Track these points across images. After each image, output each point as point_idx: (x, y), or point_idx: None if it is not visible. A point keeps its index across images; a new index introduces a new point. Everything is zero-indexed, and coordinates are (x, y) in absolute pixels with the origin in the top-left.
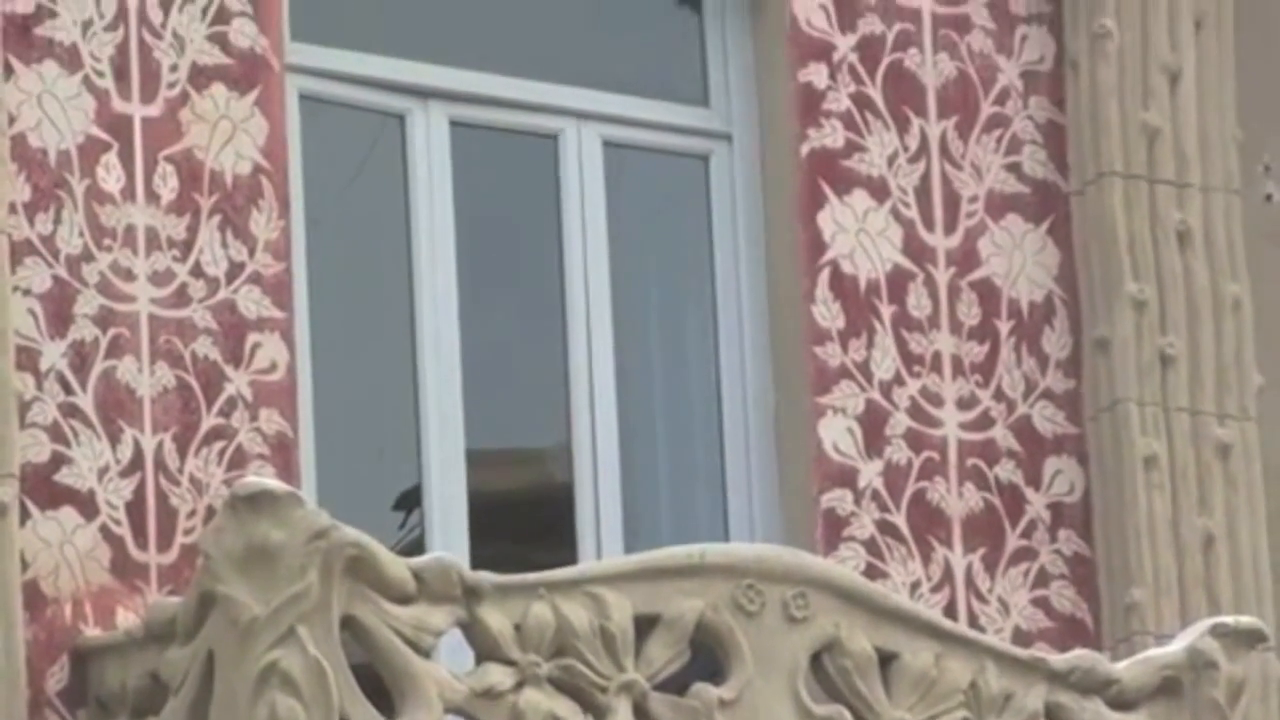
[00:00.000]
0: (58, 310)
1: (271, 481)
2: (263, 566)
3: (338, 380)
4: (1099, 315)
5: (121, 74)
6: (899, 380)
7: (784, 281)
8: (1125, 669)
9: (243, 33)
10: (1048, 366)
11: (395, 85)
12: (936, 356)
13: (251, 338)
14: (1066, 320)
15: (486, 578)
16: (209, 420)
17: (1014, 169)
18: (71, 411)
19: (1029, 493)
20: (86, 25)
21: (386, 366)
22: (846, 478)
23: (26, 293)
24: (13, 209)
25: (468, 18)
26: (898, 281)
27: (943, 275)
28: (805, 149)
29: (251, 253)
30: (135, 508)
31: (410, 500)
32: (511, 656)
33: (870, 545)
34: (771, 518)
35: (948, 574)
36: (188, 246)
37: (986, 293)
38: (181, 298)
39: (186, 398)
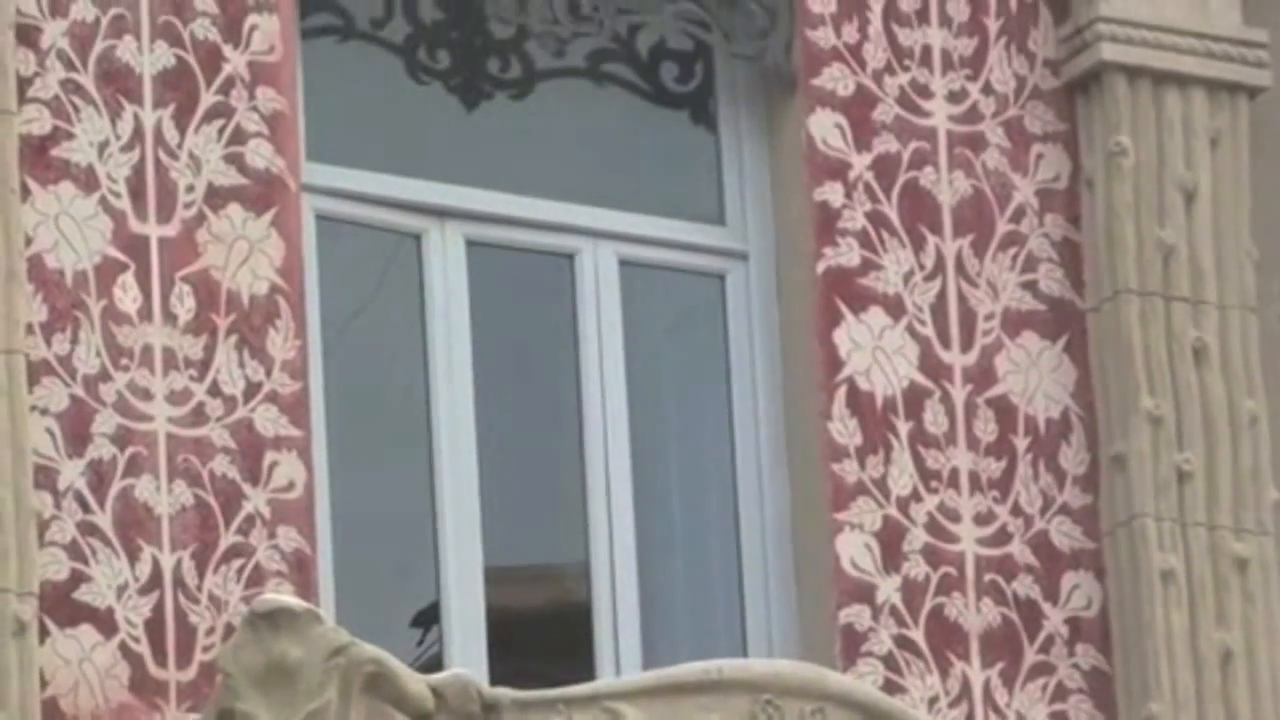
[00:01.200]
0: (75, 429)
1: (290, 598)
2: (282, 683)
3: (355, 498)
4: (1115, 431)
5: (138, 194)
6: (916, 496)
7: (801, 398)
8: None
9: (259, 153)
10: (1065, 482)
11: (411, 205)
12: (954, 473)
13: (269, 456)
14: (1083, 436)
15: (505, 694)
16: (227, 538)
17: (1030, 286)
18: (90, 530)
19: (1047, 608)
20: (103, 146)
21: (404, 484)
22: (864, 593)
23: (44, 412)
24: (30, 329)
25: (483, 138)
26: (914, 398)
27: (959, 392)
28: (821, 267)
29: (268, 372)
30: (154, 625)
31: (428, 617)
32: None
33: (888, 660)
34: (789, 633)
35: (966, 689)
36: (205, 366)
37: (1003, 409)
38: (199, 417)
39: (205, 516)
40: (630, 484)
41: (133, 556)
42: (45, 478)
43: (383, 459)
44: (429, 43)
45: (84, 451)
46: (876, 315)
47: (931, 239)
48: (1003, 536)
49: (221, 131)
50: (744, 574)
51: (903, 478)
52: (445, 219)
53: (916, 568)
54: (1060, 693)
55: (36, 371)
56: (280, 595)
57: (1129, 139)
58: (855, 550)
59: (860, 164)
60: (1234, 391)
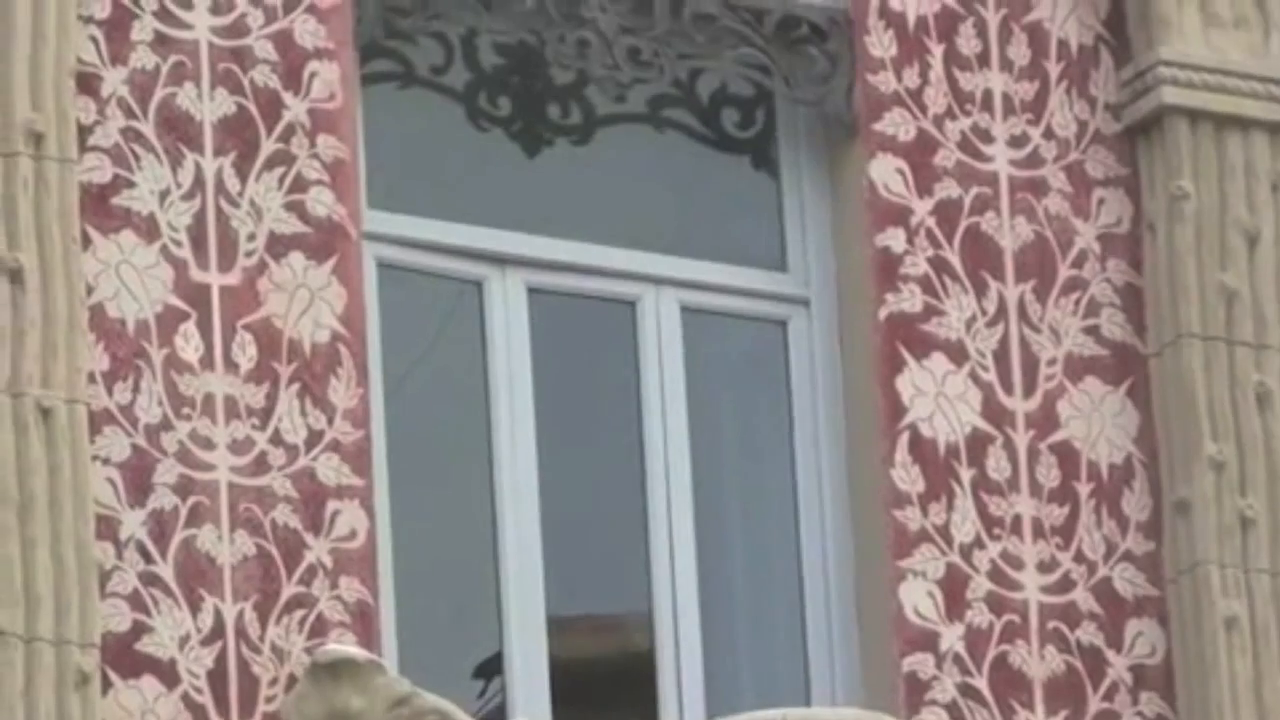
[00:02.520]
0: (137, 479)
1: (353, 649)
2: None
3: (418, 547)
4: (1178, 477)
5: (199, 243)
6: (979, 543)
7: (863, 445)
8: None
9: (320, 201)
10: (1128, 529)
11: (472, 252)
12: (1017, 520)
13: (331, 505)
14: (1146, 482)
15: None
16: (289, 588)
17: (1092, 331)
18: (152, 580)
19: (1110, 655)
20: (164, 195)
21: (466, 533)
22: (928, 641)
23: (106, 462)
24: (91, 378)
25: (544, 184)
26: (977, 444)
27: (1022, 438)
28: (883, 313)
29: (330, 420)
30: (217, 676)
31: (491, 668)
32: None
33: (952, 709)
34: (853, 681)
35: None
36: (267, 414)
37: (1066, 455)
38: (261, 466)
39: (267, 565)
40: (693, 532)
41: (195, 607)
42: (107, 528)
43: (445, 508)
44: (490, 89)
45: (145, 501)
46: (939, 361)
47: (994, 284)
48: (1066, 584)
49: (282, 179)
50: (807, 622)
51: (965, 524)
52: (506, 266)
53: (980, 615)
54: None
55: (98, 421)
56: (342, 646)
57: (1191, 183)
58: (918, 598)
59: (922, 209)
60: None
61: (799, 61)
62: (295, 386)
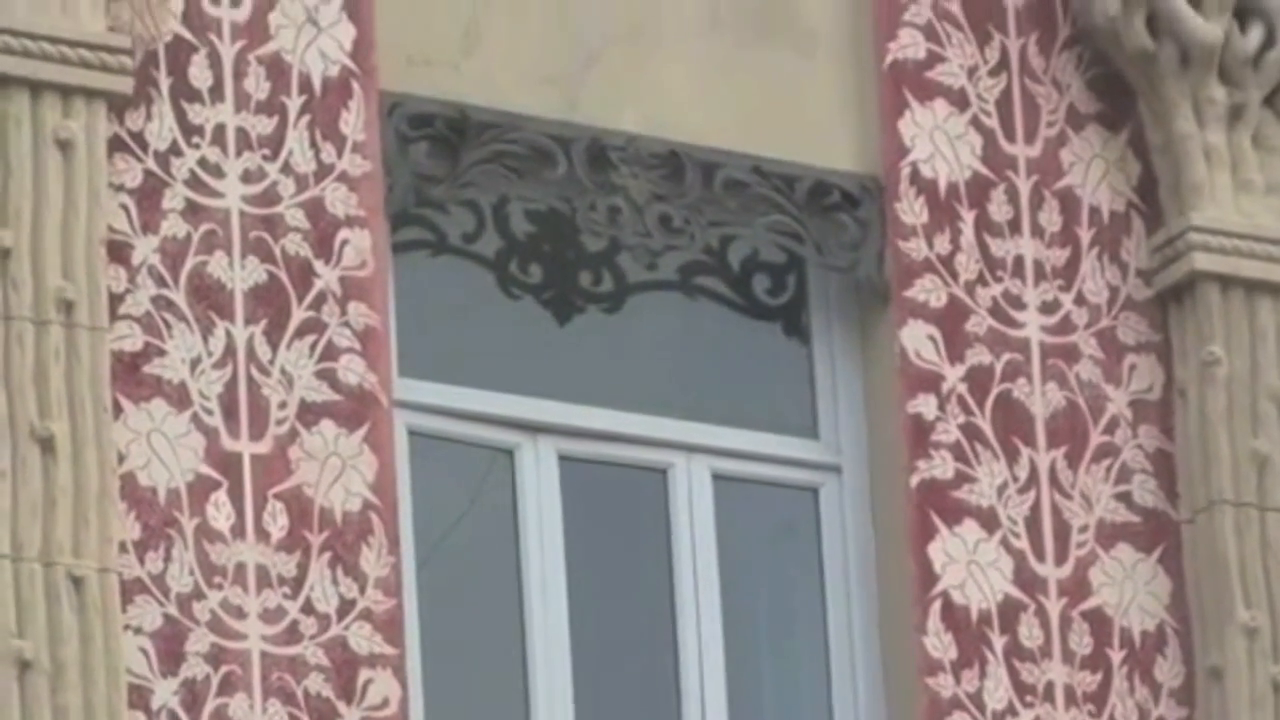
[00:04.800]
0: (169, 648)
1: None
2: None
3: (450, 715)
4: (1211, 644)
5: (230, 411)
6: (1012, 710)
7: (895, 612)
8: None
9: (351, 369)
10: (1160, 696)
11: (504, 420)
12: (1049, 686)
13: (363, 674)
14: (1179, 649)
15: None
16: None
17: (1124, 498)
18: None
19: None
20: (195, 363)
21: (499, 702)
22: None
23: (138, 631)
24: (123, 548)
25: (575, 351)
26: (1009, 612)
27: (1054, 605)
28: (915, 480)
29: (362, 589)
30: None
31: None
32: None
33: None
34: None
35: None
36: (298, 584)
37: (1098, 623)
38: (293, 635)
39: None
40: (725, 699)
41: None
42: (139, 697)
43: (477, 676)
44: (521, 256)
45: (178, 670)
46: (970, 528)
47: (1025, 451)
48: None
49: (313, 347)
50: None
51: (998, 692)
52: (538, 434)
53: None
54: None
55: (130, 590)
56: None
57: (1222, 349)
58: None
59: (953, 376)
60: None
61: (830, 228)
62: (327, 555)
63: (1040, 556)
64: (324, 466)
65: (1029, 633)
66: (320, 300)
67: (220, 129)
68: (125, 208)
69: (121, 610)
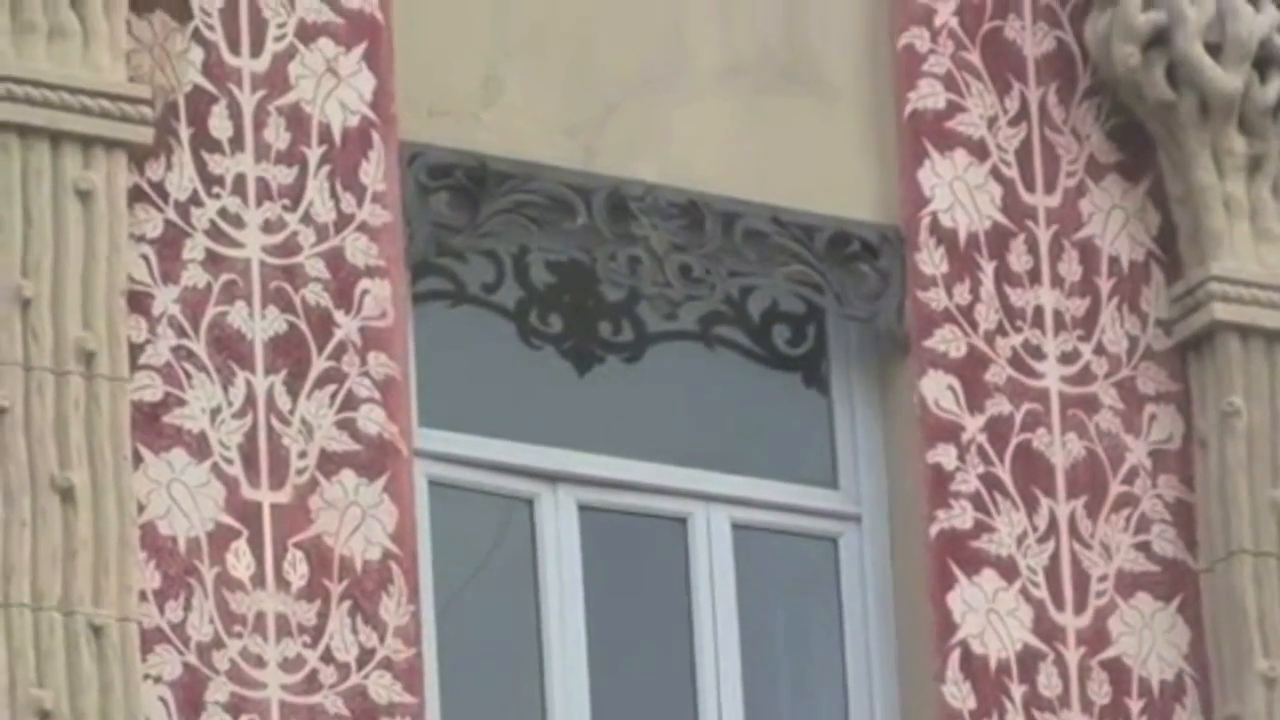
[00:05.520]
0: (189, 697)
1: None
2: None
3: None
4: (1230, 693)
5: (250, 461)
6: None
7: (915, 662)
8: None
9: (371, 419)
10: None
11: (523, 469)
12: None
13: None
14: (1198, 699)
15: None
16: None
17: (1143, 548)
18: None
19: None
20: (215, 413)
21: None
22: None
23: (158, 680)
24: (143, 596)
25: (595, 401)
26: (1028, 661)
27: (1073, 654)
28: (934, 530)
29: (382, 638)
30: None
31: None
32: None
33: None
34: None
35: None
36: (318, 633)
37: (1117, 672)
38: (312, 683)
39: None
40: None
41: None
42: None
43: None
44: (541, 306)
45: (198, 719)
46: (990, 577)
47: (1045, 501)
48: None
49: (334, 397)
50: None
51: None
52: (557, 483)
53: None
54: None
55: (150, 640)
56: None
57: (1242, 399)
58: None
59: (973, 426)
60: None
61: (850, 278)
62: (347, 604)
63: (1059, 606)
64: (344, 516)
65: (1048, 682)
66: (340, 350)
67: (240, 179)
68: (146, 258)
69: (141, 659)
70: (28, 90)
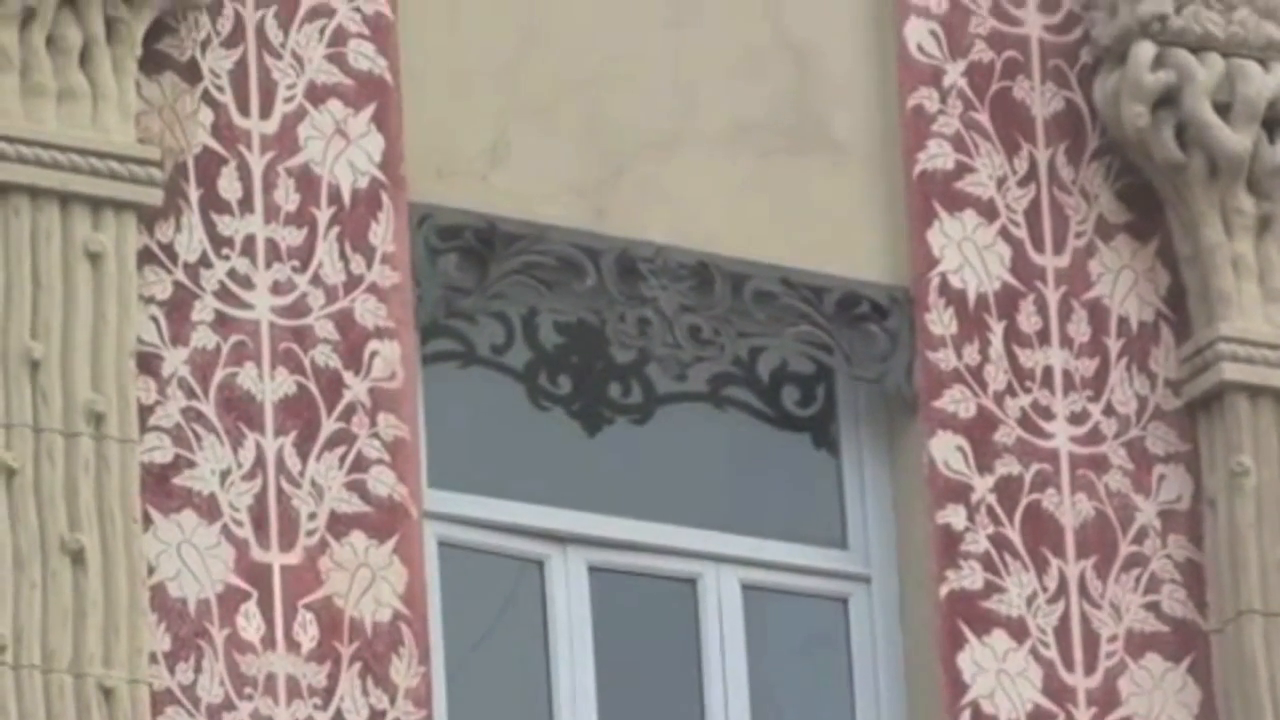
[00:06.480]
0: None
1: None
2: None
3: None
4: None
5: (260, 523)
6: None
7: None
8: None
9: (381, 480)
10: None
11: (533, 531)
12: None
13: None
14: None
15: None
16: None
17: (1153, 608)
18: None
19: None
20: (225, 474)
21: None
22: None
23: None
24: (153, 658)
25: (604, 462)
26: None
27: (1084, 714)
28: (944, 590)
29: (393, 700)
30: None
31: None
32: None
33: None
34: None
35: None
36: (329, 694)
37: None
38: None
39: None
40: None
41: None
42: None
43: None
44: (550, 368)
45: None
46: (1000, 638)
47: (1054, 561)
48: None
49: (343, 459)
50: None
51: None
52: (567, 545)
53: None
54: None
55: (160, 702)
56: None
57: (1251, 459)
58: None
59: (982, 486)
60: None
61: (859, 339)
62: (357, 666)
63: (1069, 666)
64: (354, 577)
65: None
66: (350, 411)
67: (250, 240)
68: (155, 319)
69: None
70: (37, 152)
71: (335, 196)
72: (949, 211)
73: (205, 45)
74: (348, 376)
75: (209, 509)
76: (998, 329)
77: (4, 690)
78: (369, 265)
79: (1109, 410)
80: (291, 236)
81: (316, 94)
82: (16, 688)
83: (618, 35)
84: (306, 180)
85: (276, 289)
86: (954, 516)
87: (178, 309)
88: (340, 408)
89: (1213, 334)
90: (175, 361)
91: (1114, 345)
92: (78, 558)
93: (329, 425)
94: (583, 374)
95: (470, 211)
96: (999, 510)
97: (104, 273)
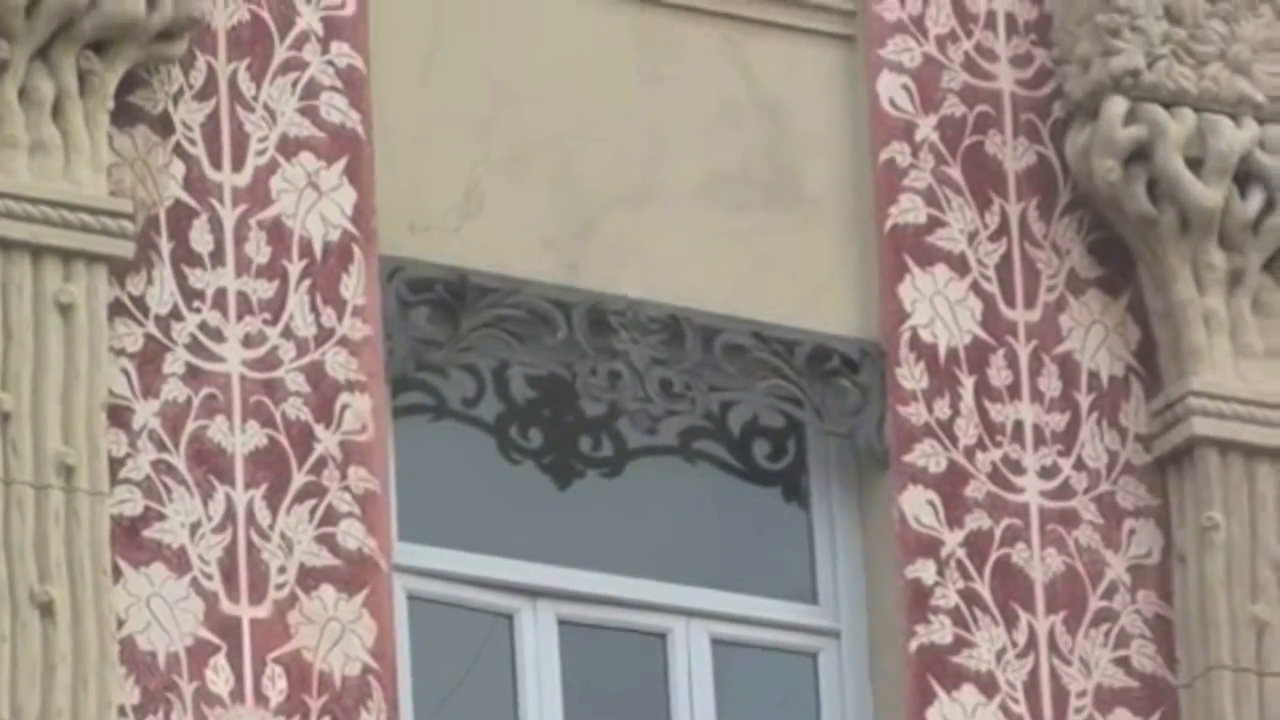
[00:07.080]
0: None
1: None
2: None
3: None
4: None
5: (230, 576)
6: None
7: None
8: None
9: (351, 534)
10: None
11: (503, 585)
12: None
13: None
14: None
15: None
16: None
17: (1122, 663)
18: None
19: None
20: (195, 527)
21: None
22: None
23: None
24: (122, 711)
25: (575, 516)
26: None
27: None
28: (914, 645)
29: None
30: None
31: None
32: None
33: None
34: None
35: None
36: None
37: None
38: None
39: None
40: None
41: None
42: None
43: None
44: (521, 421)
45: None
46: (969, 693)
47: (1024, 616)
48: None
49: (313, 512)
50: None
51: None
52: (537, 598)
53: None
54: None
55: None
56: None
57: (1221, 514)
58: None
59: (952, 541)
60: None
61: (830, 393)
62: (326, 719)
63: None
64: (323, 631)
65: None
66: (320, 465)
67: (221, 293)
68: (126, 372)
69: None
70: (8, 204)
71: (307, 249)
72: (920, 266)
73: (178, 98)
74: (318, 429)
75: (179, 562)
76: (968, 383)
77: None
78: (340, 318)
79: (1079, 465)
80: (263, 289)
81: (289, 147)
82: None
83: (590, 89)
84: (278, 233)
85: (248, 342)
86: (924, 571)
87: (149, 361)
88: (311, 461)
89: (1183, 388)
90: (146, 414)
91: (1084, 400)
92: (47, 610)
93: (299, 478)
94: (553, 427)
95: (441, 265)
96: (969, 565)
97: (75, 325)
